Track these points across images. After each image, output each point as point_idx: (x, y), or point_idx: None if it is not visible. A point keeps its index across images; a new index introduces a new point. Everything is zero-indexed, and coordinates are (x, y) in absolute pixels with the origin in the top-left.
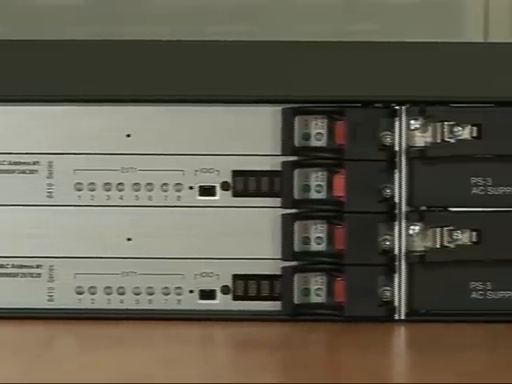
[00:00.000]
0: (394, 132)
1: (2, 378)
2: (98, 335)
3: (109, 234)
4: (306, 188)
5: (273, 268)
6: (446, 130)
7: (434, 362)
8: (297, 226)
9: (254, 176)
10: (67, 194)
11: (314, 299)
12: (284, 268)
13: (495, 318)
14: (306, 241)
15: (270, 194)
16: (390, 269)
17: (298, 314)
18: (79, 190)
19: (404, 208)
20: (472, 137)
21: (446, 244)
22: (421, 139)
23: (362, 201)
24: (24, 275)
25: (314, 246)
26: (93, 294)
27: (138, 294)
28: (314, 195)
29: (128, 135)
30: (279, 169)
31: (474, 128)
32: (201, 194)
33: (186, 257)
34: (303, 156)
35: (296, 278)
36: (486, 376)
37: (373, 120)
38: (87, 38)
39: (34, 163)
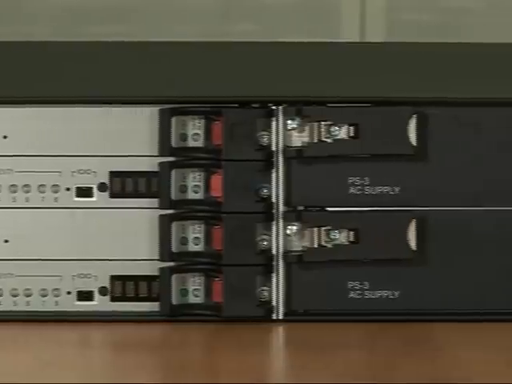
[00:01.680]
0: (270, 132)
1: None
2: None
3: None
4: (184, 188)
5: (151, 269)
6: (322, 129)
7: (312, 361)
8: (174, 226)
9: (131, 177)
10: None
11: (192, 300)
12: (162, 269)
13: (373, 318)
14: (183, 241)
15: (147, 194)
16: (267, 269)
17: (176, 314)
18: None
19: (281, 208)
20: (349, 136)
21: (323, 244)
22: (298, 139)
23: (240, 201)
24: None
25: (192, 247)
26: None
27: (15, 296)
28: (191, 196)
29: (4, 137)
30: (156, 169)
31: (351, 128)
32: (78, 196)
33: (64, 258)
34: (180, 156)
35: (174, 278)
36: (364, 376)
37: (250, 120)
38: None
39: None
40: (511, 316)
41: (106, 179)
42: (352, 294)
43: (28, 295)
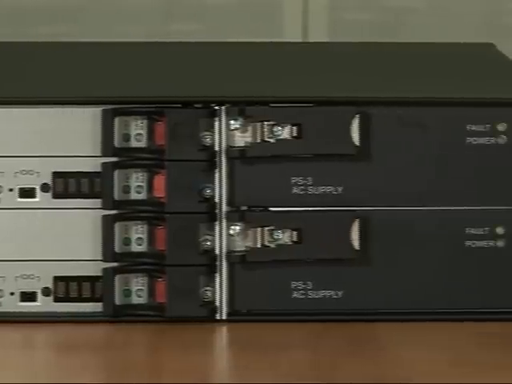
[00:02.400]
0: (213, 132)
1: None
2: None
3: None
4: (127, 189)
5: (94, 269)
6: (265, 129)
7: (256, 361)
8: (117, 226)
9: (74, 177)
10: None
11: (136, 300)
12: (105, 269)
13: (316, 318)
14: (126, 242)
15: (90, 195)
16: (211, 269)
17: (120, 314)
18: None
19: (224, 208)
20: (292, 136)
21: (266, 244)
22: (241, 139)
23: (183, 201)
24: None
25: (135, 247)
26: None
27: None
28: (134, 196)
29: None
30: (99, 170)
31: (294, 128)
32: (21, 196)
33: (7, 259)
34: (123, 157)
35: (117, 279)
36: (308, 376)
37: (192, 120)
38: None
39: None
40: (453, 316)
41: (48, 180)
42: (295, 294)
43: None
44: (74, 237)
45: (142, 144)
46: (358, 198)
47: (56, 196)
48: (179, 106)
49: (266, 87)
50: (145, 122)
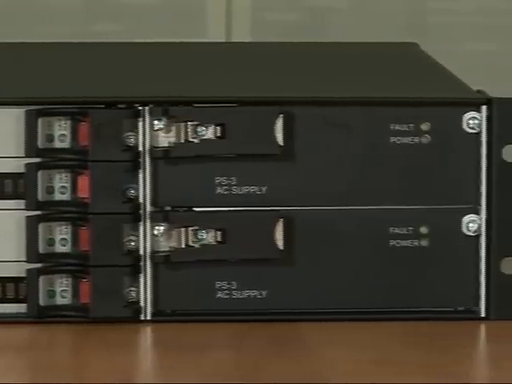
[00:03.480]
0: (137, 133)
1: None
2: None
3: None
4: (50, 190)
5: (18, 270)
6: (189, 130)
7: (180, 362)
8: (41, 227)
9: None
10: None
11: (60, 301)
12: (29, 270)
13: (241, 318)
14: (50, 242)
15: (13, 196)
16: (135, 269)
17: (44, 315)
18: None
19: (148, 208)
20: (216, 137)
21: (190, 244)
22: (164, 139)
23: (107, 202)
24: None
25: (59, 248)
26: None
27: None
28: (58, 197)
29: None
30: (23, 171)
31: (218, 128)
32: None
33: None
34: (47, 157)
35: (41, 279)
36: (233, 376)
37: (116, 121)
38: None
39: None
40: (377, 315)
41: None
42: (220, 294)
43: None
44: None
45: (66, 145)
46: (282, 198)
47: None
48: (103, 106)
49: (189, 87)
50: (68, 122)
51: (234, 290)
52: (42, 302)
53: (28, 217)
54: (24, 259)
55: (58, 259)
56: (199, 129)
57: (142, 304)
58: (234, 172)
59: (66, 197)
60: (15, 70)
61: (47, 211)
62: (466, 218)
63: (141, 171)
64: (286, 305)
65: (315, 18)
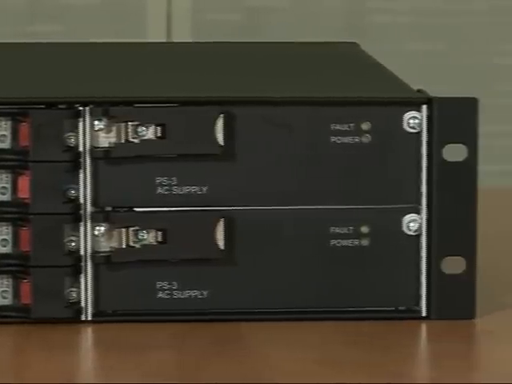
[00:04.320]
0: (78, 133)
1: None
2: None
3: None
4: None
5: None
6: (130, 130)
7: (121, 362)
8: None
9: None
10: None
11: (1, 301)
12: None
13: (182, 318)
14: None
15: None
16: (76, 270)
17: None
18: None
19: (89, 209)
20: (156, 137)
21: (131, 244)
22: (105, 140)
23: (47, 202)
24: None
25: (0, 249)
26: None
27: None
28: None
29: None
30: None
31: (158, 128)
32: None
33: None
34: None
35: None
36: (174, 376)
37: (57, 121)
38: None
39: None
40: (319, 315)
41: None
42: (161, 294)
43: None
44: None
45: (6, 145)
46: (223, 198)
47: None
48: (43, 106)
49: (130, 88)
50: (9, 123)
51: (175, 290)
52: None
53: None
54: None
55: None
56: (140, 129)
57: (82, 304)
58: (175, 172)
59: (6, 197)
60: None
61: None
62: (407, 218)
63: (81, 171)
64: (227, 305)
65: (256, 18)
